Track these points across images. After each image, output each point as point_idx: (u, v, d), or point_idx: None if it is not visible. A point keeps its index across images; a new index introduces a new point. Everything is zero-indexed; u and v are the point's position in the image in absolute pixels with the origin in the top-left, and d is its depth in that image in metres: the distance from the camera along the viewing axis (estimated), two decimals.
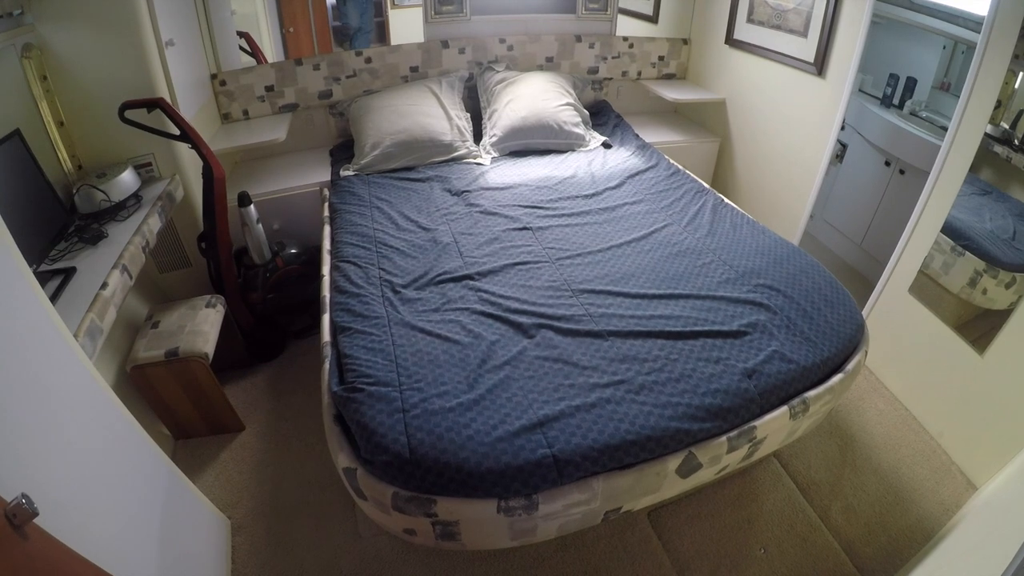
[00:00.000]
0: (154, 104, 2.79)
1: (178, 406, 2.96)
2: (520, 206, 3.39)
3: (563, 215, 3.32)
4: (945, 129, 3.73)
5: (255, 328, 3.56)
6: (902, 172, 4.26)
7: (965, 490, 2.92)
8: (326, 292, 2.76)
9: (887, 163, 4.38)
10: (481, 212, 3.32)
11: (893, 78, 4.53)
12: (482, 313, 2.49)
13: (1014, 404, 2.76)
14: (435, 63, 4.48)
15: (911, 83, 4.47)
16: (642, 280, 2.74)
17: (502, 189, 3.60)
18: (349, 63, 4.27)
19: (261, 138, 3.76)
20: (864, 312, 3.60)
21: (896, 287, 3.43)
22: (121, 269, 2.44)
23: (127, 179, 2.94)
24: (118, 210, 2.85)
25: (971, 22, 3.78)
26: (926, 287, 3.29)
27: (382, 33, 4.60)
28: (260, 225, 3.39)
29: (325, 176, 3.95)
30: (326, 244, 3.19)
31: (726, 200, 3.59)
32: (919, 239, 3.28)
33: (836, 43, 3.81)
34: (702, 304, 2.58)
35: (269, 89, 4.11)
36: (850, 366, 2.39)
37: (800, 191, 4.22)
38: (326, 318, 2.59)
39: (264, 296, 3.51)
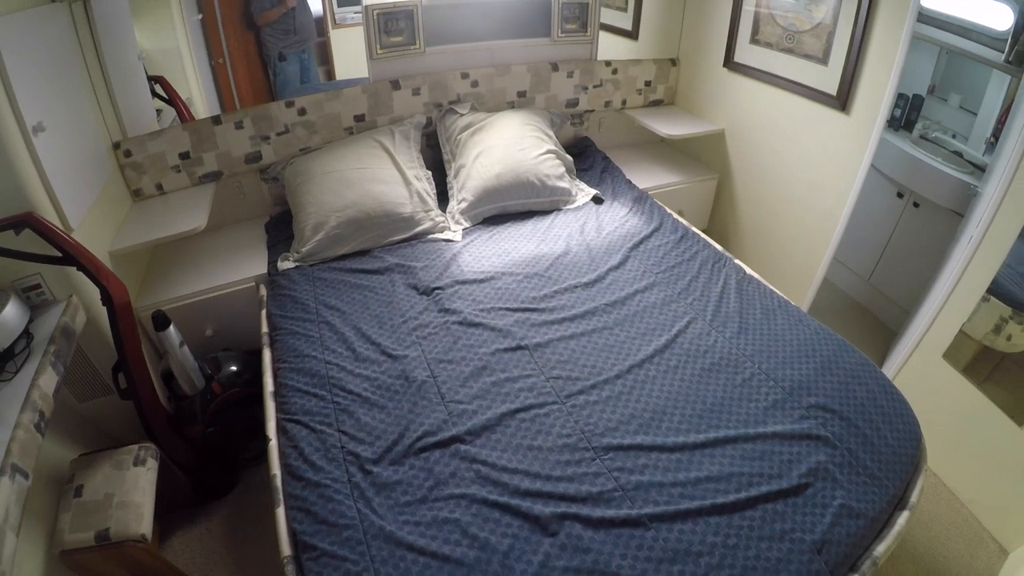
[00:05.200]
0: (22, 224, 2.24)
1: None
2: (508, 310, 2.90)
3: (563, 320, 2.85)
4: (958, 155, 4.04)
5: (198, 464, 3.09)
6: (916, 205, 4.12)
7: (998, 558, 2.96)
8: (275, 470, 2.24)
9: (899, 194, 4.24)
10: (460, 323, 2.82)
11: (902, 99, 4.41)
12: (484, 502, 2.02)
13: None
14: (384, 109, 3.97)
15: (917, 101, 4.39)
16: (676, 419, 2.34)
17: (482, 282, 3.10)
18: (279, 117, 3.72)
19: (175, 228, 3.21)
20: (888, 374, 3.44)
21: (928, 352, 3.34)
22: (11, 472, 1.88)
23: (10, 318, 2.33)
24: (4, 361, 2.28)
25: (981, 35, 3.78)
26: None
27: (325, 55, 4.08)
28: (186, 348, 2.88)
29: (261, 264, 3.43)
30: (268, 383, 2.66)
31: (747, 270, 3.28)
32: (959, 301, 3.14)
33: (864, 73, 3.43)
34: (753, 448, 2.24)
35: (184, 156, 3.56)
36: (914, 497, 2.22)
37: (817, 240, 3.93)
38: (280, 514, 2.08)
39: (204, 429, 3.03)
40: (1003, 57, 3.63)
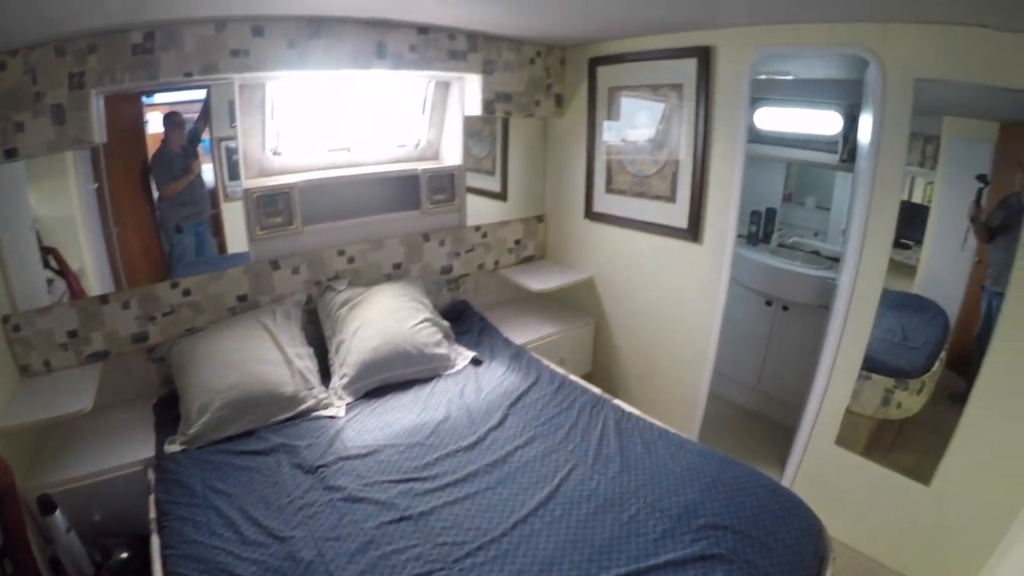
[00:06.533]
0: None
1: None
2: (392, 482, 3.02)
3: (446, 485, 2.98)
4: (816, 253, 4.74)
5: None
6: (785, 308, 4.57)
7: None
8: None
9: (768, 303, 4.67)
10: (345, 500, 2.91)
11: (756, 215, 4.93)
12: None
13: (968, 521, 3.13)
14: (266, 288, 4.15)
15: (771, 214, 4.92)
16: (566, 567, 2.44)
17: (365, 456, 3.22)
18: (165, 298, 3.86)
19: (60, 409, 3.24)
20: (790, 475, 3.79)
21: (821, 442, 3.61)
22: None
23: None
24: None
25: (818, 143, 4.48)
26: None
27: (217, 227, 4.17)
28: (73, 533, 2.90)
29: (149, 447, 3.43)
30: (157, 571, 2.65)
31: (626, 408, 3.50)
32: (838, 388, 3.46)
33: (709, 204, 3.91)
34: None
35: (72, 335, 3.63)
36: None
37: (694, 363, 4.25)
38: None
39: None
40: (837, 158, 4.24)
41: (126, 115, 3.67)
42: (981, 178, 3.18)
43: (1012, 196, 3.05)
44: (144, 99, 3.73)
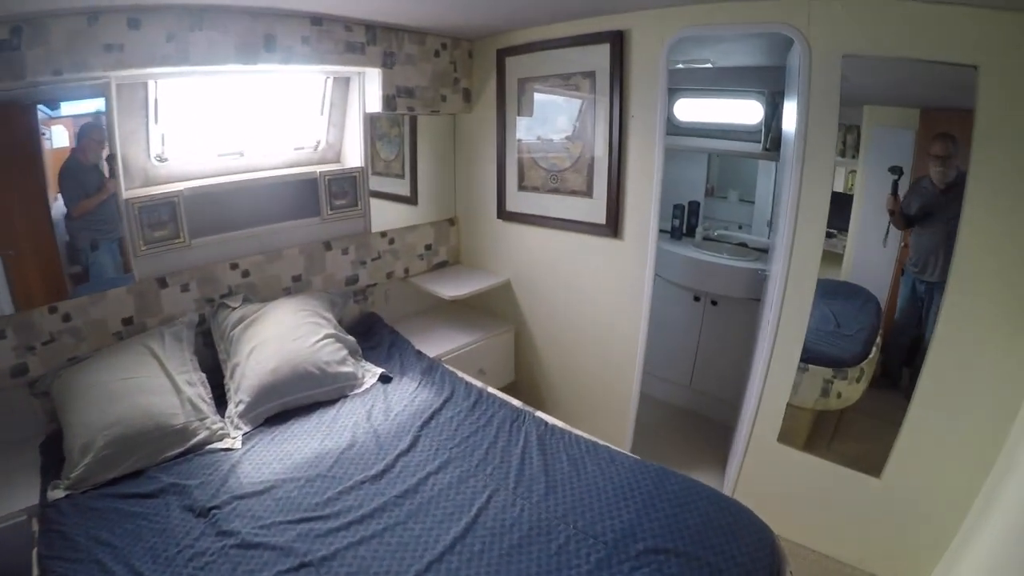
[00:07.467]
0: None
1: None
2: (290, 522, 2.77)
3: (350, 523, 2.74)
4: (743, 245, 4.79)
5: None
6: (714, 303, 4.61)
7: None
8: None
9: (696, 298, 4.70)
10: (238, 546, 2.65)
11: (678, 209, 4.95)
12: None
13: (924, 511, 3.16)
14: (154, 309, 3.87)
15: (694, 207, 4.97)
16: None
17: (262, 493, 2.96)
18: (43, 325, 3.54)
19: None
20: (732, 477, 3.74)
21: (762, 440, 3.57)
22: None
23: None
24: None
25: (740, 132, 4.54)
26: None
27: (124, 246, 3.89)
28: None
29: (35, 492, 3.11)
30: None
31: (549, 421, 3.35)
32: (776, 382, 3.43)
33: (628, 197, 3.84)
34: None
35: None
36: None
37: (623, 364, 4.18)
38: None
39: None
40: (761, 147, 4.27)
41: (19, 128, 3.36)
42: (895, 170, 3.21)
43: (923, 179, 3.09)
44: (48, 112, 3.43)
